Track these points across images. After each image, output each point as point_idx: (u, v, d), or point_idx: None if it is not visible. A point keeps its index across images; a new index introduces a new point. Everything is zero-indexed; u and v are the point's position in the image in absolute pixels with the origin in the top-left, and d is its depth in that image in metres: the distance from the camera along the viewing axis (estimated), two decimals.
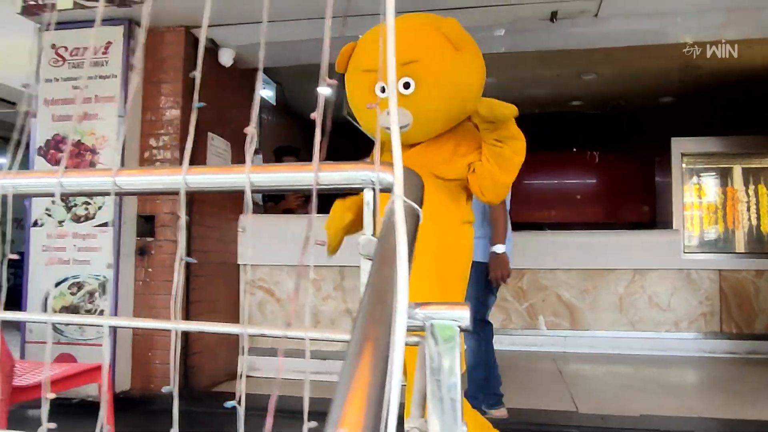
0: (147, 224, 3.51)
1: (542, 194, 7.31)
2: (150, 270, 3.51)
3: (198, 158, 3.73)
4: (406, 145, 1.86)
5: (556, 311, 5.00)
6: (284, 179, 1.18)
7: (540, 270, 5.03)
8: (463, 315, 0.78)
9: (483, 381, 2.96)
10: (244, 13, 3.33)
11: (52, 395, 1.01)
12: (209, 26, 3.63)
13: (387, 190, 1.13)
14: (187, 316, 3.63)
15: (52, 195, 1.23)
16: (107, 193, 1.21)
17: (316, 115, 0.91)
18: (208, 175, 1.20)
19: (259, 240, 4.21)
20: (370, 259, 1.19)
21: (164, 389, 1.21)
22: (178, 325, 1.22)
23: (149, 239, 3.51)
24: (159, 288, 3.51)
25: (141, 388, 3.49)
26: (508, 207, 3.20)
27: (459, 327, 0.79)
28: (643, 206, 7.00)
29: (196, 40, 3.69)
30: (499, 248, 2.94)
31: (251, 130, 1.26)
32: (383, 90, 1.76)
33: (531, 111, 6.68)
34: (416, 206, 0.93)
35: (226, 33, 3.64)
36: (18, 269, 3.55)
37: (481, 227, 2.97)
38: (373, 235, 1.19)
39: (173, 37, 3.56)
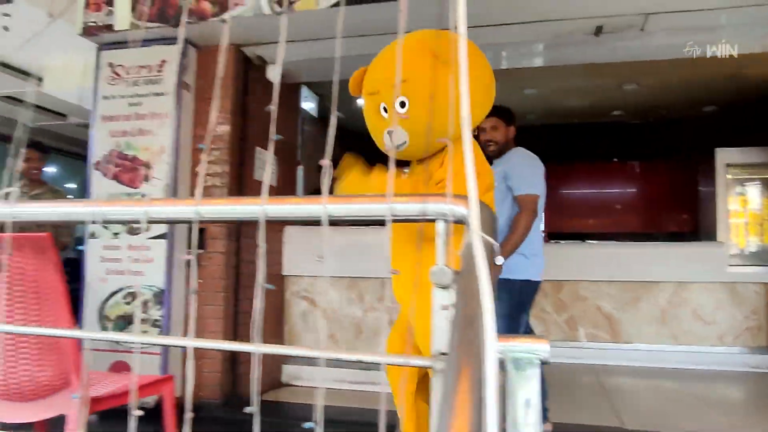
0: (197, 237, 3.62)
1: (582, 204, 7.27)
2: (200, 281, 3.62)
3: (246, 171, 3.83)
4: (416, 160, 1.96)
5: (596, 323, 4.97)
6: (359, 210, 1.24)
7: (580, 281, 5.01)
8: (544, 348, 0.82)
9: None
10: (291, 31, 3.43)
11: (130, 408, 1.08)
12: (258, 44, 3.75)
13: (459, 221, 1.18)
14: (235, 325, 3.74)
15: (138, 222, 1.32)
16: (189, 221, 1.30)
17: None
18: (287, 206, 1.27)
19: (303, 251, 4.29)
20: (441, 287, 1.24)
21: (246, 410, 1.29)
22: (259, 348, 1.29)
23: (200, 251, 3.62)
24: (208, 299, 3.61)
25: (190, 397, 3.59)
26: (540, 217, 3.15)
27: (540, 360, 0.83)
28: (686, 217, 6.90)
29: (246, 58, 3.81)
30: (498, 260, 2.95)
31: (326, 162, 1.32)
32: (386, 110, 1.84)
33: (570, 121, 6.66)
34: (492, 241, 0.98)
35: (274, 50, 3.75)
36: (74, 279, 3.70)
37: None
38: (446, 265, 1.24)
39: (225, 55, 3.66)
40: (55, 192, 4.04)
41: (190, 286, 3.56)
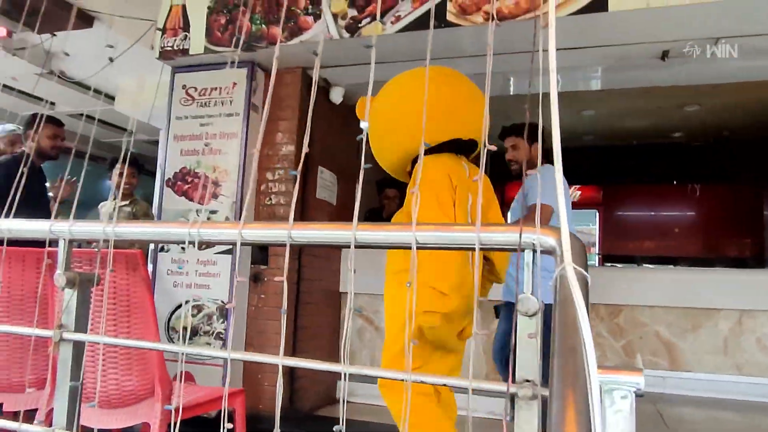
0: (261, 253, 3.74)
1: (639, 227, 7.12)
2: (263, 296, 3.72)
3: (308, 190, 3.94)
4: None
5: (654, 350, 4.84)
6: (449, 238, 1.28)
7: (637, 306, 4.90)
8: (638, 380, 0.83)
9: None
10: (355, 54, 3.54)
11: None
12: (322, 67, 3.87)
13: (548, 252, 1.21)
14: (294, 340, 3.82)
15: (233, 244, 1.39)
16: (283, 244, 1.36)
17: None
18: (379, 232, 1.32)
19: (360, 269, 4.35)
20: (527, 316, 1.27)
21: (335, 428, 1.34)
22: (284, 361, 1.34)
23: (263, 267, 3.72)
24: (269, 314, 3.70)
25: (250, 407, 3.68)
26: None
27: (635, 393, 0.84)
28: (749, 241, 6.67)
29: (311, 80, 3.93)
30: None
31: (416, 192, 1.37)
32: None
33: (629, 143, 6.56)
34: (584, 272, 1.00)
35: (337, 73, 3.86)
36: None
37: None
38: (532, 293, 1.27)
39: (290, 78, 3.80)
40: (139, 204, 4.22)
41: (256, 302, 3.67)
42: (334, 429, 1.34)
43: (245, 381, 3.72)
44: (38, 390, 2.09)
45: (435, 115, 2.09)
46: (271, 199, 3.76)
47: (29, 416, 1.99)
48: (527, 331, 1.23)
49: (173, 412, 1.72)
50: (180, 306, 3.67)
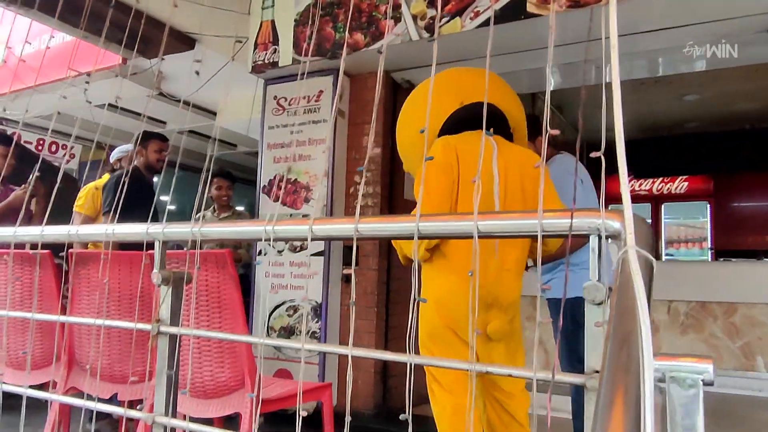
0: (350, 253, 3.83)
1: (755, 219, 6.55)
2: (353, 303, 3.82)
3: (396, 191, 3.99)
4: None
5: None
6: (513, 226, 1.26)
7: (756, 304, 4.53)
8: (707, 368, 0.78)
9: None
10: (430, 53, 3.54)
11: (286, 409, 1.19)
12: (405, 69, 3.91)
13: (613, 236, 1.17)
14: (386, 339, 3.88)
15: (305, 239, 1.45)
16: (350, 237, 1.40)
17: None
18: (440, 222, 1.33)
19: None
20: (594, 304, 1.23)
21: (401, 417, 1.36)
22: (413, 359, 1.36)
23: (355, 267, 3.82)
24: (360, 313, 3.79)
25: (343, 404, 3.79)
26: None
27: (702, 381, 0.79)
28: None
29: (395, 83, 3.99)
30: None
31: (477, 180, 1.37)
32: None
33: (740, 127, 6.06)
34: (649, 255, 0.96)
35: (419, 74, 3.89)
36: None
37: (559, 263, 2.64)
38: (598, 280, 1.22)
39: (374, 81, 3.88)
40: (240, 215, 4.49)
41: (350, 300, 3.77)
42: (399, 417, 1.36)
43: (339, 379, 3.82)
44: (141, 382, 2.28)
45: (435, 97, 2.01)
46: (358, 200, 3.85)
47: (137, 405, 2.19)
48: (594, 320, 1.19)
49: (253, 400, 1.82)
50: (278, 307, 3.84)
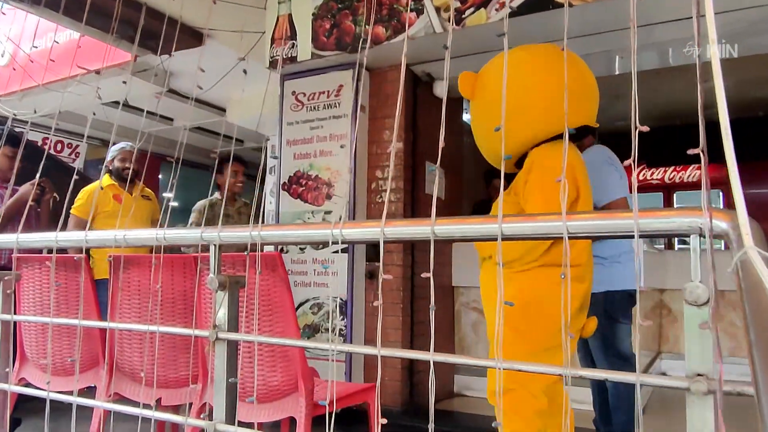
0: (374, 249, 3.80)
1: None
2: (378, 292, 3.78)
3: (417, 186, 3.95)
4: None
5: None
6: (604, 226, 1.22)
7: None
8: None
9: (626, 425, 2.56)
10: (460, 46, 3.49)
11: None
12: (426, 61, 3.86)
13: (719, 236, 1.12)
14: (411, 335, 3.85)
15: (377, 243, 1.41)
16: (428, 239, 1.36)
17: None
18: (524, 223, 1.29)
19: (471, 262, 4.32)
20: (696, 306, 1.19)
21: (493, 424, 1.32)
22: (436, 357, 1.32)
23: (377, 263, 3.79)
24: (386, 310, 3.76)
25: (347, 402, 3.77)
26: None
27: None
28: None
29: (415, 77, 3.94)
30: None
31: (563, 180, 1.32)
32: None
33: (754, 114, 6.05)
34: None
35: (441, 67, 3.84)
36: None
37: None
38: (700, 281, 1.19)
39: (395, 75, 3.83)
40: (247, 205, 4.40)
41: (376, 299, 3.74)
42: (493, 425, 1.33)
43: (366, 376, 3.80)
44: (185, 386, 2.24)
45: (572, 98, 1.97)
46: (382, 196, 3.81)
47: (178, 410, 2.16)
48: (698, 321, 1.16)
49: (313, 406, 1.79)
50: (301, 304, 3.81)
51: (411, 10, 3.45)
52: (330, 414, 1.40)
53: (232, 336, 1.60)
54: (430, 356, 1.26)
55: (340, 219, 1.43)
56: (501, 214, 1.23)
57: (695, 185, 7.17)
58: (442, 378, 4.22)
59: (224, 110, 6.32)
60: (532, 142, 2.05)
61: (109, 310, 2.22)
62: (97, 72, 5.05)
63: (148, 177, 7.13)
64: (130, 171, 3.43)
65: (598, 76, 4.20)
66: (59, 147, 6.91)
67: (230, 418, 1.63)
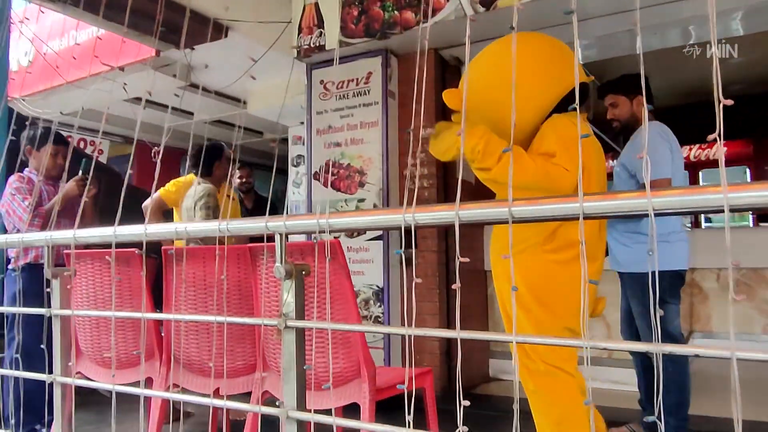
0: (408, 236, 3.79)
1: None
2: (419, 281, 3.79)
3: (449, 171, 3.94)
4: None
5: None
6: (691, 202, 1.21)
7: None
8: None
9: (675, 406, 2.53)
10: (491, 28, 3.46)
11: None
12: (454, 46, 3.83)
13: None
14: (448, 320, 3.86)
15: (451, 226, 1.40)
16: (506, 221, 1.35)
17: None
18: (608, 201, 1.28)
19: None
20: None
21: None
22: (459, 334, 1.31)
23: (412, 250, 3.78)
24: (423, 296, 3.77)
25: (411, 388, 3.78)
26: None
27: None
28: None
29: (444, 61, 3.92)
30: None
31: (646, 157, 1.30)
32: None
33: None
34: None
35: (469, 51, 3.81)
36: None
37: (634, 232, 2.64)
38: None
39: (423, 60, 3.80)
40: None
41: (411, 283, 3.75)
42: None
43: (404, 362, 3.81)
44: (242, 375, 2.26)
45: (553, 67, 1.96)
46: (414, 183, 3.80)
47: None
48: None
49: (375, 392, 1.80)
50: None
51: None
52: (409, 395, 1.40)
53: (301, 324, 1.61)
54: (456, 334, 1.25)
55: (411, 204, 1.43)
56: (581, 193, 1.22)
57: (716, 163, 7.12)
58: (478, 362, 4.23)
59: (244, 102, 6.32)
60: (539, 117, 1.99)
61: (163, 302, 2.24)
62: (121, 68, 5.07)
63: (169, 171, 7.17)
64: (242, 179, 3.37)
65: (623, 55, 4.16)
66: (82, 145, 6.95)
67: (301, 405, 1.65)
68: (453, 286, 1.25)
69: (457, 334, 1.25)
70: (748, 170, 6.86)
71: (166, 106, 6.33)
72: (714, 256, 4.82)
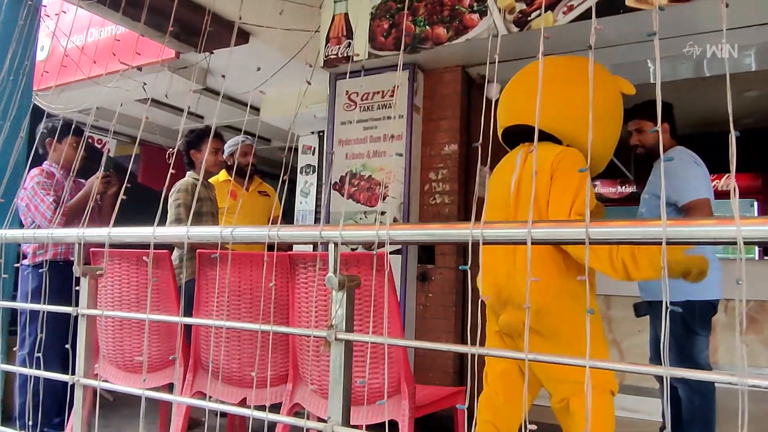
0: (427, 252, 3.76)
1: None
2: (430, 295, 3.75)
3: (471, 189, 3.92)
4: None
5: None
6: (704, 233, 1.15)
7: None
8: None
9: None
10: (524, 48, 3.47)
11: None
12: (481, 64, 3.82)
13: None
14: (463, 339, 3.82)
15: (466, 243, 1.36)
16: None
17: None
18: (616, 228, 1.24)
19: None
20: None
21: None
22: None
23: (429, 266, 3.75)
24: (438, 313, 3.73)
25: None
26: None
27: None
28: None
29: (470, 78, 3.91)
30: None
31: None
32: None
33: None
34: None
35: (500, 68, 3.81)
36: None
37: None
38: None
39: (451, 76, 3.80)
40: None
41: (475, 301, 3.70)
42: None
43: (417, 379, 3.76)
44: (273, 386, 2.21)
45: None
46: (435, 198, 3.78)
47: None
48: None
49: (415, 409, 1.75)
50: None
51: (474, 11, 3.43)
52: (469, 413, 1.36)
53: (352, 336, 1.57)
54: (468, 349, 1.22)
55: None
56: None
57: (725, 194, 7.16)
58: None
59: (258, 109, 6.29)
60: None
61: (194, 307, 2.19)
62: (139, 68, 5.03)
63: (179, 174, 7.11)
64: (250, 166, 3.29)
65: (640, 83, 4.18)
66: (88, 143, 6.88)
67: (346, 420, 1.60)
68: (482, 298, 1.23)
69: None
70: (756, 203, 6.91)
71: (178, 108, 6.30)
72: (722, 288, 4.81)
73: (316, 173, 6.02)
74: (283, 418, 1.63)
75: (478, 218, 1.31)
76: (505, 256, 1.96)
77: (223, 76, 5.32)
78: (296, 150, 6.39)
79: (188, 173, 3.31)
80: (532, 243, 1.38)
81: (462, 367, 3.78)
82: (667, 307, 1.25)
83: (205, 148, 3.19)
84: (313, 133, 6.19)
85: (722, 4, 1.15)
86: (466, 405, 1.39)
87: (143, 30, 4.33)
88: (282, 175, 1.88)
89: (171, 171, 1.92)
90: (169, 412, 2.44)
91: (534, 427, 1.16)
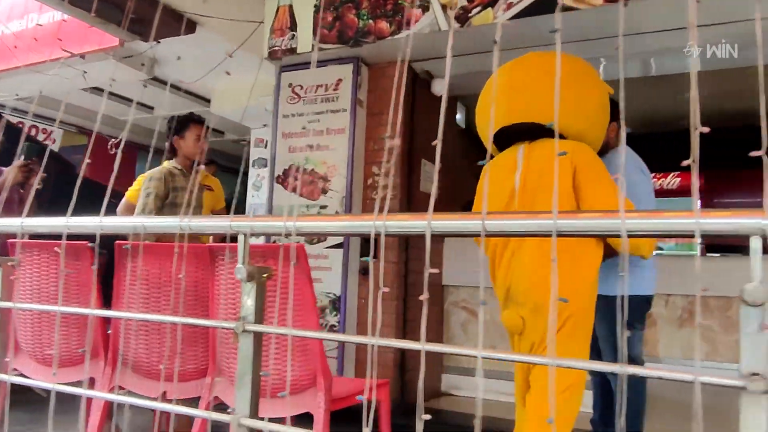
0: (367, 245, 3.77)
1: None
2: (387, 290, 3.75)
3: (413, 183, 3.94)
4: None
5: None
6: (663, 225, 1.21)
7: None
8: None
9: (629, 429, 2.62)
10: (462, 45, 3.49)
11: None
12: (426, 59, 3.84)
13: None
14: (404, 333, 3.84)
15: (423, 234, 1.38)
16: (478, 234, 1.33)
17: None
18: (580, 220, 1.27)
19: (462, 262, 4.32)
20: (755, 306, 1.19)
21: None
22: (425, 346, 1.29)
23: (374, 259, 3.76)
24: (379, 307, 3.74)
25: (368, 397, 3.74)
26: None
27: None
28: None
29: (415, 74, 3.93)
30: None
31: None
32: None
33: (732, 125, 6.22)
34: None
35: (441, 64, 3.84)
36: None
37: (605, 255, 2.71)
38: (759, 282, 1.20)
39: (393, 70, 3.81)
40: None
41: (376, 293, 3.71)
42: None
43: (357, 372, 3.77)
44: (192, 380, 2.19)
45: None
46: (377, 192, 3.79)
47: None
48: (755, 322, 1.17)
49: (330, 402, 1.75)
50: None
51: (417, 7, 3.44)
52: (369, 405, 1.37)
53: (260, 328, 1.56)
54: (421, 346, 1.23)
55: (380, 210, 1.40)
56: (556, 212, 1.21)
57: (675, 192, 7.38)
58: (430, 377, 4.22)
59: (208, 100, 6.19)
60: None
61: (113, 299, 2.14)
62: (82, 56, 4.89)
63: (125, 166, 6.95)
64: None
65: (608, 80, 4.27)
66: (33, 132, 6.68)
67: (254, 413, 1.59)
68: (420, 297, 1.23)
69: (422, 346, 1.22)
70: (699, 201, 7.12)
71: (126, 99, 6.15)
72: (664, 282, 4.95)
73: (268, 166, 5.95)
74: (185, 409, 1.60)
75: (424, 210, 1.31)
76: (513, 253, 2.04)
77: (173, 60, 5.19)
78: (248, 143, 6.31)
79: (166, 162, 3.13)
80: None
81: (403, 360, 3.81)
82: (622, 303, 1.27)
83: (190, 135, 3.10)
84: (265, 125, 6.11)
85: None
86: (365, 396, 1.40)
87: (92, 20, 4.22)
88: (242, 169, 1.86)
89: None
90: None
91: None
